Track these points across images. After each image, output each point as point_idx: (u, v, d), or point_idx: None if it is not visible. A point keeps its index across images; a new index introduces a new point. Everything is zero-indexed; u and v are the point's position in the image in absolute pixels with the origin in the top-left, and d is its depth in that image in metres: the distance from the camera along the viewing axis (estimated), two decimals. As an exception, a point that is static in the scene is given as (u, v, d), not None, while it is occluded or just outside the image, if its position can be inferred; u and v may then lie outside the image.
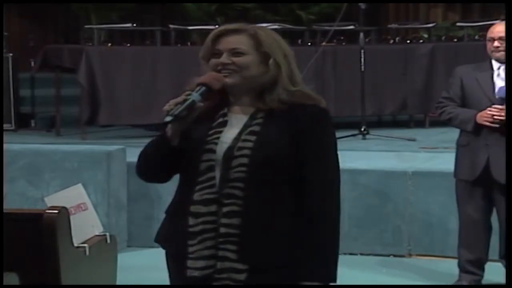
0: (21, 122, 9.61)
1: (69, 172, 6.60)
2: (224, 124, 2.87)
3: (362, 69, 8.55)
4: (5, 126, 9.14)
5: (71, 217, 4.30)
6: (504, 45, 5.31)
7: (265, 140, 2.80)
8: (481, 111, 5.27)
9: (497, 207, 5.35)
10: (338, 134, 9.28)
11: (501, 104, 5.21)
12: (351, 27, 9.44)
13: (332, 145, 2.91)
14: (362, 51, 8.54)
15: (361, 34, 8.63)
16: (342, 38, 9.50)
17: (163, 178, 2.98)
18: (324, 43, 8.97)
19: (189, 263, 2.83)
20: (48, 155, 6.78)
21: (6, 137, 7.79)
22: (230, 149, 2.81)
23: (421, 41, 9.69)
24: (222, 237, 2.79)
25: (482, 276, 5.56)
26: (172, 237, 2.91)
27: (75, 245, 4.34)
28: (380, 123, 9.73)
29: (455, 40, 9.88)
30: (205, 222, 2.81)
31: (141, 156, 2.95)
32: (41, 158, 6.75)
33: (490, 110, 5.23)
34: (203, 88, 2.81)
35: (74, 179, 6.12)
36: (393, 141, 8.22)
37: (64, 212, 4.19)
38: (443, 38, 9.97)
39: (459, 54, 9.44)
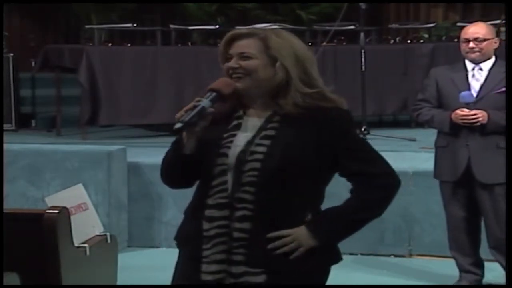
0: (22, 122, 9.62)
1: (69, 172, 6.61)
2: (238, 127, 2.86)
3: (363, 69, 8.55)
4: (6, 126, 9.15)
5: (72, 217, 4.30)
6: (479, 46, 5.35)
7: (279, 145, 2.79)
8: (454, 110, 5.29)
9: (481, 206, 5.36)
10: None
11: (469, 109, 5.24)
12: (352, 27, 9.44)
13: (365, 142, 2.96)
14: (363, 51, 8.54)
15: (362, 34, 8.63)
16: (342, 38, 9.50)
17: (187, 184, 2.97)
18: (324, 43, 8.97)
19: (204, 267, 2.83)
20: (48, 155, 6.78)
21: (6, 137, 7.80)
22: (243, 152, 2.81)
23: (421, 41, 9.69)
24: (235, 242, 2.79)
25: (482, 276, 5.56)
26: (188, 240, 2.91)
27: (76, 245, 4.33)
28: (380, 123, 9.73)
29: (456, 40, 9.84)
30: (219, 227, 2.81)
31: (163, 163, 2.95)
32: (42, 158, 6.75)
33: (462, 110, 5.26)
34: (213, 94, 2.81)
35: (74, 179, 6.12)
36: (394, 141, 8.22)
37: (64, 212, 4.19)
38: (443, 38, 9.97)
39: (459, 54, 9.42)
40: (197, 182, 2.94)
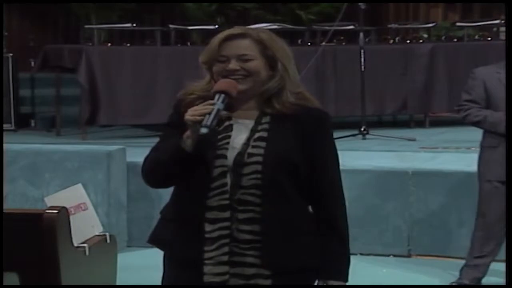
0: (21, 122, 9.62)
1: (69, 172, 6.60)
2: (230, 128, 2.85)
3: (362, 69, 8.55)
4: (5, 126, 9.15)
5: (71, 217, 4.30)
6: None
7: (275, 146, 2.80)
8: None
9: None
10: (338, 134, 9.29)
11: None
12: (351, 27, 9.44)
13: (335, 148, 2.95)
14: (362, 51, 8.54)
15: (361, 34, 8.63)
16: (342, 38, 9.51)
17: (176, 183, 2.94)
18: (324, 43, 8.97)
19: (207, 269, 2.81)
20: (48, 155, 6.78)
21: (6, 137, 7.80)
22: (241, 155, 2.80)
23: (421, 41, 9.69)
24: (244, 244, 2.79)
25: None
26: (181, 242, 2.87)
27: (75, 245, 4.33)
28: (380, 123, 9.74)
29: (455, 40, 9.89)
30: (221, 228, 2.80)
31: (152, 163, 2.91)
32: (41, 158, 6.75)
33: None
34: (223, 96, 2.79)
35: (74, 179, 6.12)
36: (393, 141, 8.23)
37: (64, 212, 4.19)
38: (443, 38, 9.98)
39: (459, 54, 9.45)
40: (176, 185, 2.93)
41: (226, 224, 2.80)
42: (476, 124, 5.48)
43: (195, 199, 2.84)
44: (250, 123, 2.85)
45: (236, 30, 2.88)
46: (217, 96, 2.79)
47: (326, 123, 2.90)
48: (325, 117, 2.90)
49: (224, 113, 2.80)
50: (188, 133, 2.77)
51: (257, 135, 2.82)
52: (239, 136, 2.83)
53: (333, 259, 2.88)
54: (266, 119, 2.85)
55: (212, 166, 2.80)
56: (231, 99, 2.81)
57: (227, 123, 2.85)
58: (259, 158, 2.78)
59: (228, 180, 2.80)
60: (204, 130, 2.73)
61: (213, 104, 2.76)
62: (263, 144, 2.80)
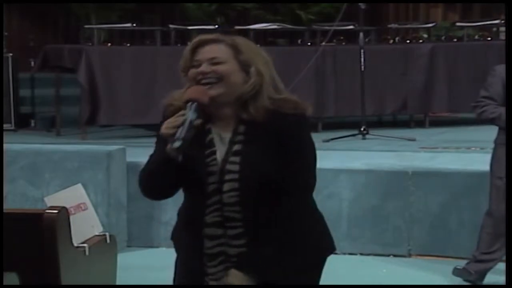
0: (21, 122, 9.62)
1: (69, 172, 6.60)
2: (213, 143, 2.84)
3: (362, 69, 8.55)
4: (5, 126, 9.15)
5: (71, 217, 4.29)
6: None
7: (249, 161, 2.78)
8: None
9: None
10: (338, 134, 9.26)
11: None
12: (351, 27, 9.44)
13: (310, 151, 2.88)
14: (362, 51, 8.54)
15: (361, 34, 8.63)
16: (342, 38, 9.51)
17: (172, 193, 2.95)
18: (324, 43, 8.97)
19: (212, 283, 2.87)
20: (48, 155, 6.78)
21: (6, 137, 7.80)
22: (222, 172, 2.81)
23: (421, 41, 9.69)
24: (234, 258, 2.82)
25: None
26: (188, 254, 2.92)
27: (75, 245, 4.33)
28: (380, 123, 9.74)
29: (455, 40, 9.89)
30: (219, 245, 2.84)
31: (145, 176, 2.91)
32: (41, 158, 6.75)
33: None
34: (195, 104, 2.77)
35: (74, 179, 6.12)
36: (393, 141, 8.22)
37: (64, 212, 4.19)
38: (443, 38, 9.97)
39: (459, 54, 9.45)
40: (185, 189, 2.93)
41: (222, 240, 2.83)
42: (491, 121, 5.45)
43: (196, 215, 2.87)
44: (228, 135, 2.84)
45: (210, 35, 2.87)
46: (188, 106, 2.76)
47: (301, 128, 2.84)
48: (300, 122, 2.84)
49: (198, 121, 2.76)
50: (169, 146, 2.77)
51: (234, 148, 2.81)
52: (219, 151, 2.83)
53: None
54: (242, 128, 2.82)
55: (206, 183, 2.82)
56: (204, 106, 2.77)
57: (209, 137, 2.85)
58: (235, 175, 2.79)
59: (219, 197, 2.82)
60: (177, 144, 2.71)
61: (184, 115, 2.74)
62: (237, 159, 2.80)
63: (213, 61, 2.81)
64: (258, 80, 2.81)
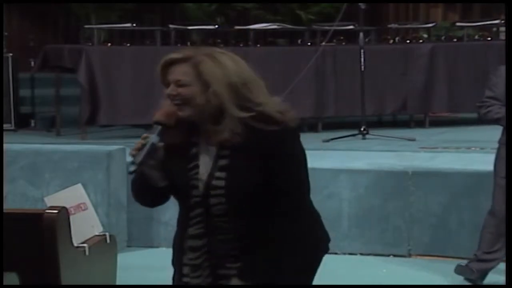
0: (21, 122, 9.62)
1: (69, 172, 6.60)
2: (197, 157, 2.84)
3: (362, 69, 8.55)
4: (5, 126, 9.15)
5: (71, 217, 4.30)
6: None
7: (235, 176, 2.77)
8: None
9: None
10: (338, 134, 9.25)
11: None
12: (351, 27, 9.44)
13: (293, 161, 2.83)
14: (362, 51, 8.54)
15: (361, 34, 8.63)
16: (342, 38, 9.51)
17: (162, 202, 3.01)
18: (324, 43, 8.97)
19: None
20: (48, 155, 6.78)
21: (6, 137, 7.79)
22: (207, 185, 2.81)
23: (421, 41, 9.69)
24: (220, 268, 2.84)
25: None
26: (179, 265, 2.94)
27: (75, 245, 4.33)
28: (380, 123, 9.74)
29: (455, 40, 9.89)
30: (203, 254, 2.85)
31: (133, 187, 2.96)
32: (41, 158, 6.75)
33: None
34: (159, 128, 2.78)
35: (74, 179, 6.12)
36: (393, 141, 8.22)
37: (64, 212, 4.19)
38: (443, 38, 9.97)
39: (459, 54, 9.46)
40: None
41: (205, 250, 2.84)
42: (496, 121, 5.45)
43: (181, 227, 2.92)
44: (214, 150, 2.82)
45: (179, 54, 2.81)
46: (154, 128, 2.78)
47: (282, 143, 2.78)
48: (279, 137, 2.77)
49: (160, 144, 2.77)
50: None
51: (219, 163, 2.80)
52: (204, 165, 2.83)
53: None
54: (228, 144, 2.79)
55: (189, 196, 2.84)
56: (169, 128, 2.77)
57: (194, 150, 2.84)
58: (222, 191, 2.79)
59: (202, 210, 2.84)
60: (131, 168, 2.73)
61: (148, 137, 2.76)
62: (223, 175, 2.78)
63: (179, 83, 2.79)
64: (216, 102, 2.76)
